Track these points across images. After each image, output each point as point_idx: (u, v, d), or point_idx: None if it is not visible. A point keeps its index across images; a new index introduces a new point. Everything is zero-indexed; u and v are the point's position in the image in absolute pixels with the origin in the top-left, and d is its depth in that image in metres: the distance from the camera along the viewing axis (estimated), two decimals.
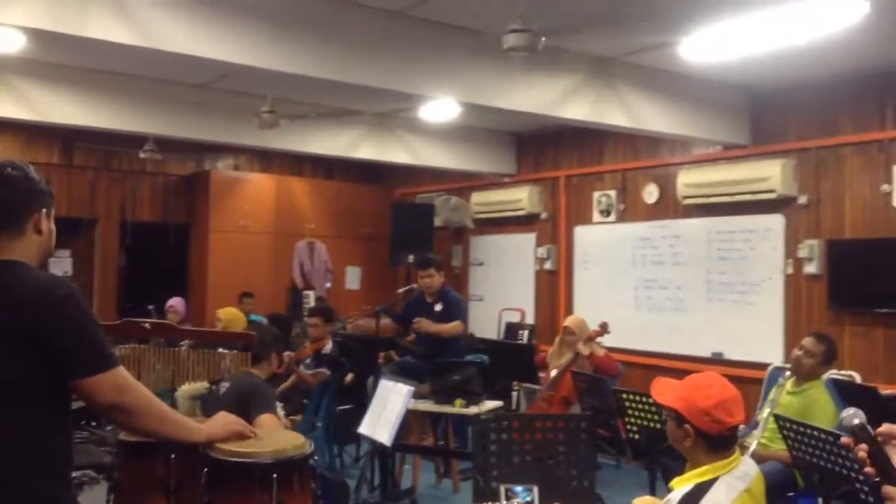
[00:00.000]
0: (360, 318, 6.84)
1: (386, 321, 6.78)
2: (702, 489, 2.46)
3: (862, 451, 1.78)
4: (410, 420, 6.13)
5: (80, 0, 4.36)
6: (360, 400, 6.23)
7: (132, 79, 7.01)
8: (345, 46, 5.17)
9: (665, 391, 2.63)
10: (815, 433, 3.80)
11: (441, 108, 6.78)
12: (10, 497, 1.99)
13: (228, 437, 2.74)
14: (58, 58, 6.52)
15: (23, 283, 2.04)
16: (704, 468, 2.50)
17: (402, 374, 6.07)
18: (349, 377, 6.96)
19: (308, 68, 5.09)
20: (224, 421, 2.79)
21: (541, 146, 9.21)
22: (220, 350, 4.03)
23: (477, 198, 9.80)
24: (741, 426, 2.84)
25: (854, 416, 1.81)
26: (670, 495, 2.53)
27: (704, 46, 5.53)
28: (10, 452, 2.00)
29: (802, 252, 6.68)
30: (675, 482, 2.58)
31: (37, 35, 4.68)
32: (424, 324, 6.45)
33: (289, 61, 5.02)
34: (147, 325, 3.15)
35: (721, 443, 2.51)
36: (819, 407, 4.60)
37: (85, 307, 2.09)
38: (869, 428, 1.79)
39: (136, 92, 7.16)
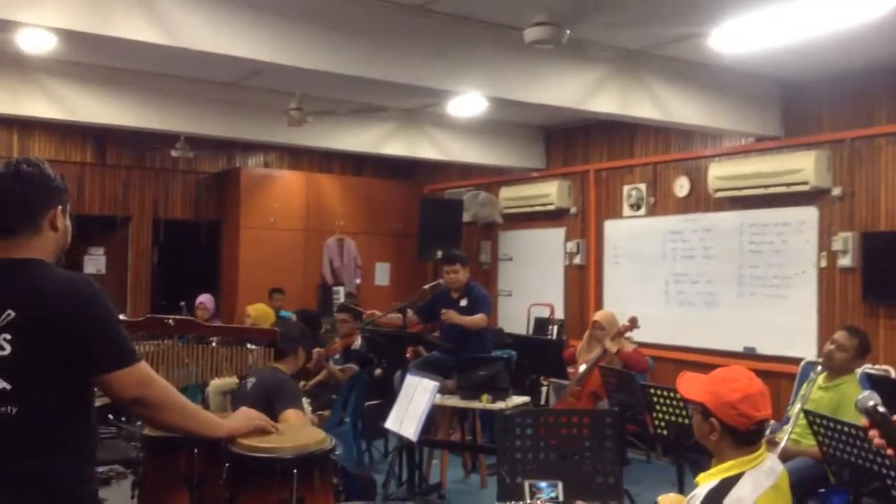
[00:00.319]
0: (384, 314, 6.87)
1: (412, 315, 6.78)
2: (727, 484, 2.43)
3: (876, 435, 1.78)
4: (438, 415, 6.15)
5: (107, 0, 4.40)
6: (389, 395, 6.25)
7: (162, 78, 7.07)
8: (371, 42, 5.17)
9: (691, 385, 2.61)
10: (846, 429, 3.74)
11: (468, 103, 6.77)
12: (31, 492, 2.00)
13: (250, 432, 2.76)
14: (88, 58, 6.59)
15: (48, 281, 2.06)
16: (730, 463, 2.48)
17: (429, 368, 6.08)
18: (378, 372, 6.99)
19: (334, 65, 5.09)
20: (246, 416, 2.81)
21: (570, 140, 9.14)
22: (249, 346, 4.05)
23: (506, 193, 9.76)
24: (771, 421, 2.80)
25: (868, 398, 1.82)
26: (696, 491, 2.51)
27: (734, 37, 5.45)
28: (31, 448, 2.01)
29: (836, 245, 6.57)
30: (700, 477, 2.56)
31: (67, 35, 4.75)
32: (452, 315, 6.45)
33: (314, 58, 5.03)
34: (171, 321, 3.17)
35: (747, 437, 2.48)
36: (851, 402, 4.51)
37: (109, 305, 2.11)
38: (882, 408, 1.80)
39: (167, 91, 7.23)
